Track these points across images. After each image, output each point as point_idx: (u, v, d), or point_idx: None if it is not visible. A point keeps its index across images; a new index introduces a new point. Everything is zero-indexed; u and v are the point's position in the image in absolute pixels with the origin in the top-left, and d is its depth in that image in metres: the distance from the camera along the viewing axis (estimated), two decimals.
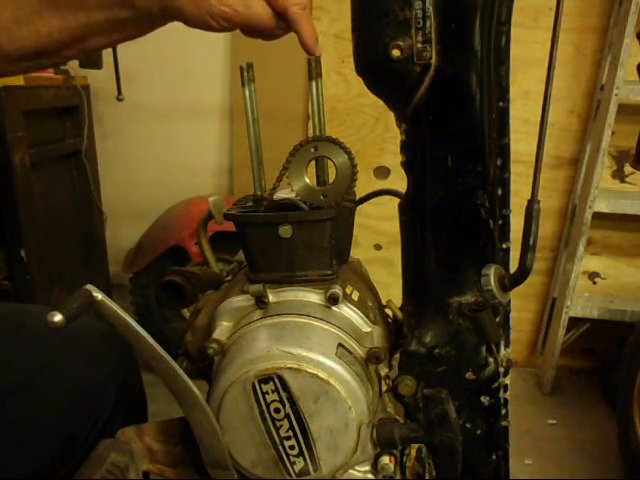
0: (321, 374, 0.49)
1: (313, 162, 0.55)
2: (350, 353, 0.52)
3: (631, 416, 1.42)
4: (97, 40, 0.55)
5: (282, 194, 0.57)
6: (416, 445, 0.59)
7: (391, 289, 0.66)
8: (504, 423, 0.58)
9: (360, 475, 0.54)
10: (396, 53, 0.45)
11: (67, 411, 0.70)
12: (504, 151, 0.50)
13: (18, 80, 1.45)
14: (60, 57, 0.56)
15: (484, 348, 0.54)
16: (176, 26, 0.60)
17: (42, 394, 0.69)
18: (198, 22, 0.51)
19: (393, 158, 1.95)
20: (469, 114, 0.47)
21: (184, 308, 0.65)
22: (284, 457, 0.51)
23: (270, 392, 0.49)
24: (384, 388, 0.56)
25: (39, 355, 0.71)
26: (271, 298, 0.55)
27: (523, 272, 0.50)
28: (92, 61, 1.68)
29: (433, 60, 0.45)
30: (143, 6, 0.51)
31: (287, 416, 0.50)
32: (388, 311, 0.65)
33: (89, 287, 0.43)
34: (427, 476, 0.60)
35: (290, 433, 0.50)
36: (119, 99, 1.77)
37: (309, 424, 0.50)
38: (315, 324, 0.53)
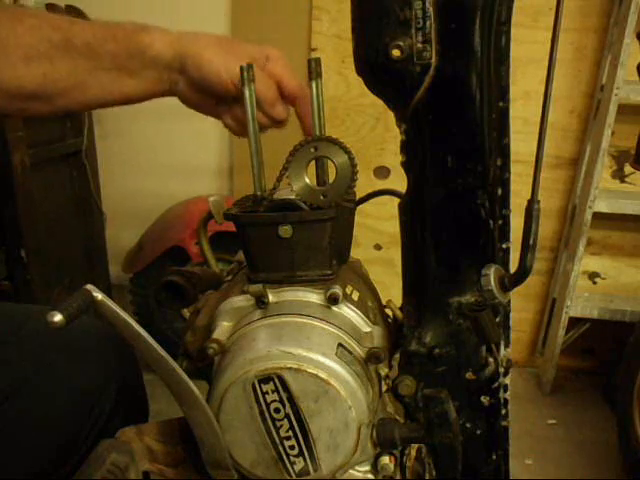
0: (321, 374, 0.49)
1: (313, 162, 0.55)
2: (350, 353, 0.52)
3: (631, 416, 1.42)
4: (99, 89, 0.55)
5: (282, 194, 0.57)
6: (416, 445, 0.59)
7: (391, 289, 0.66)
8: (504, 423, 0.58)
9: (360, 475, 0.54)
10: (396, 53, 0.45)
11: (67, 411, 0.70)
12: (504, 151, 0.50)
13: None
14: (54, 105, 0.57)
15: (484, 348, 0.54)
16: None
17: (42, 394, 0.69)
18: (215, 69, 0.55)
19: (393, 158, 1.95)
20: (469, 114, 0.47)
21: (184, 308, 0.65)
22: (284, 457, 0.51)
23: (270, 392, 0.49)
24: (384, 388, 0.56)
25: (39, 355, 0.71)
26: (271, 298, 0.55)
27: (523, 272, 0.50)
28: None
29: (433, 60, 0.45)
30: (154, 52, 0.53)
31: (287, 416, 0.50)
32: (388, 311, 0.65)
33: (89, 287, 0.43)
34: (427, 476, 0.60)
35: (290, 433, 0.50)
36: None
37: (309, 424, 0.50)
38: (315, 324, 0.53)
